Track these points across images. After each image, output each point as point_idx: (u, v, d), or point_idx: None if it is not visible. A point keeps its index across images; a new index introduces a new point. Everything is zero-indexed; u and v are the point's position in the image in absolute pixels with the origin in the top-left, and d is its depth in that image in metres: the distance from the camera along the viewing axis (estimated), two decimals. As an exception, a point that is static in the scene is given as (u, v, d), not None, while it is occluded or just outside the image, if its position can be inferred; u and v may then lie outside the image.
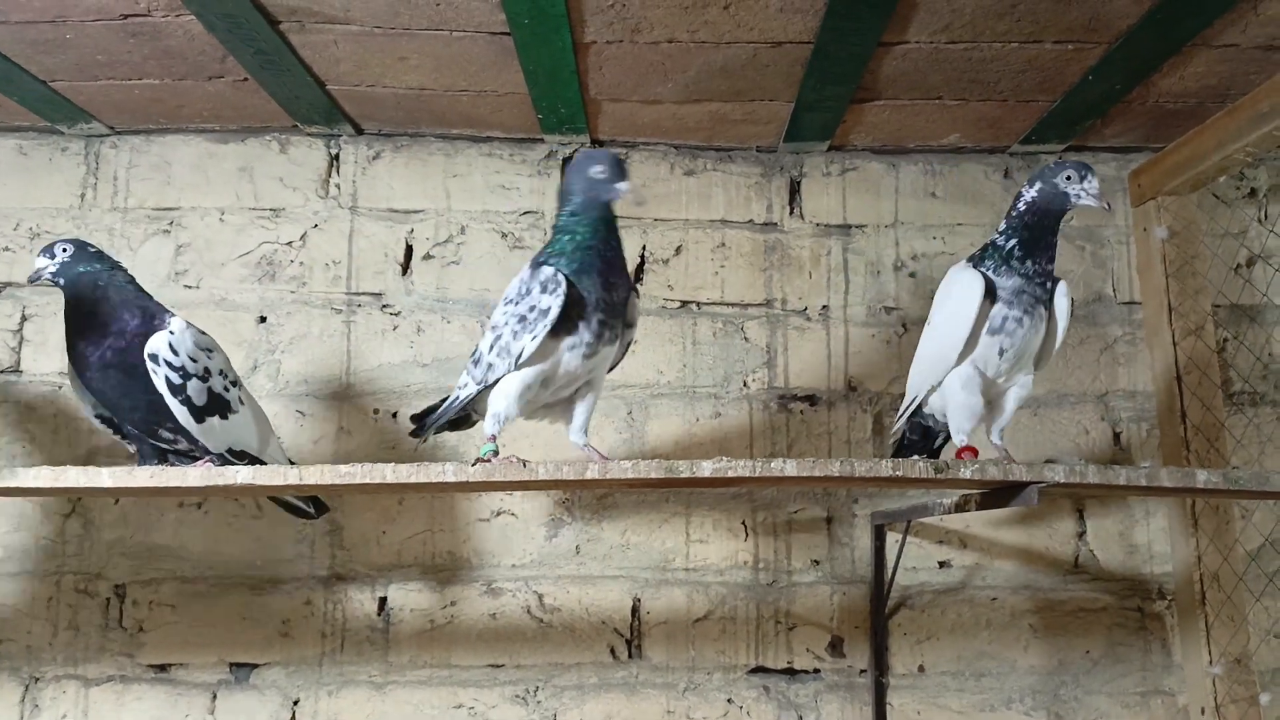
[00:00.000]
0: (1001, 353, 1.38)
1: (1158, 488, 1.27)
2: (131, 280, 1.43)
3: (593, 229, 1.31)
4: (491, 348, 1.33)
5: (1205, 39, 1.56)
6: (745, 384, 1.94)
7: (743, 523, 1.89)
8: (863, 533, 1.90)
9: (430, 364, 1.91)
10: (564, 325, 1.27)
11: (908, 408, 1.52)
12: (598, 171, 1.30)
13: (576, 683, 1.83)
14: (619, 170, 1.31)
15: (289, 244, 1.94)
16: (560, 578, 1.86)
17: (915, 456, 1.53)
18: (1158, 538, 1.91)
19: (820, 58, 1.59)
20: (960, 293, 1.39)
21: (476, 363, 1.37)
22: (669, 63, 1.65)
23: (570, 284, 1.27)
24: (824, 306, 1.98)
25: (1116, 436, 1.95)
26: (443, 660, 1.82)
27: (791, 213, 2.01)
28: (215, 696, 1.80)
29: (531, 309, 1.27)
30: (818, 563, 1.89)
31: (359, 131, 1.96)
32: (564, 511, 1.88)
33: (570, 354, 1.30)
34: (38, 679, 1.80)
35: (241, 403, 1.45)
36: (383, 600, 1.84)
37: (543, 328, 1.26)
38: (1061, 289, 1.41)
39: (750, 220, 2.00)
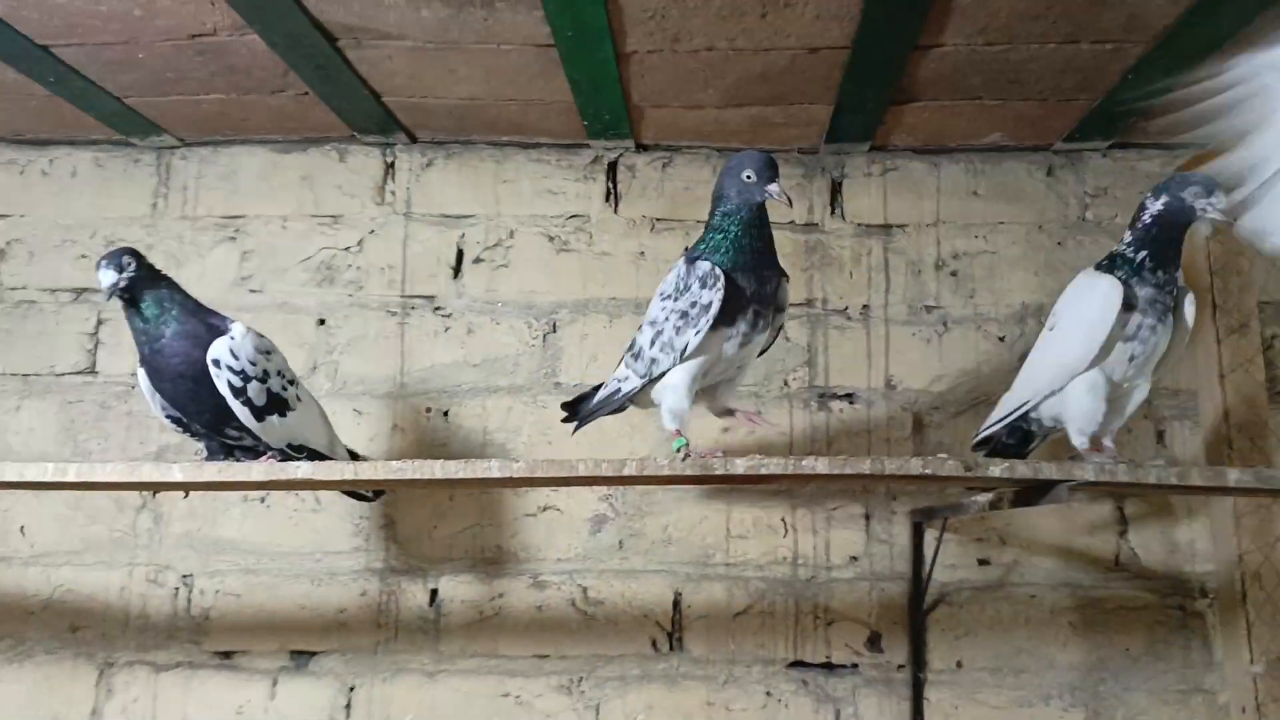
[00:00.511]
0: (1131, 359, 1.40)
1: (1189, 486, 1.29)
2: (182, 289, 1.49)
3: (744, 226, 1.37)
4: (653, 343, 1.41)
5: (1248, 37, 1.55)
6: (786, 383, 1.98)
7: (782, 519, 1.93)
8: (901, 530, 1.92)
9: (480, 364, 1.98)
10: (723, 317, 1.34)
11: (1015, 411, 1.51)
12: (748, 176, 1.36)
13: (619, 674, 1.88)
14: (769, 173, 1.36)
15: (347, 249, 2.03)
16: (604, 571, 1.92)
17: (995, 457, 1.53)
18: (1200, 536, 1.90)
19: (857, 62, 1.63)
20: (1099, 300, 1.39)
21: (637, 357, 1.45)
22: (708, 70, 1.69)
23: (728, 278, 1.34)
24: (864, 306, 2.00)
25: (1160, 435, 1.95)
26: (490, 650, 1.89)
27: (833, 213, 2.04)
28: (276, 682, 1.89)
29: (693, 304, 1.34)
30: (856, 559, 1.92)
31: (413, 140, 2.04)
32: (608, 507, 1.93)
33: (728, 344, 1.38)
34: (111, 664, 1.90)
35: (299, 400, 1.53)
36: (434, 592, 1.92)
37: (705, 322, 1.33)
38: (1189, 299, 1.42)
39: (792, 221, 2.03)
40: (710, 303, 1.34)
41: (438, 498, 1.93)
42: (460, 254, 2.02)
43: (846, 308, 2.01)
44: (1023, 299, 1.99)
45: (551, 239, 2.03)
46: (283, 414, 1.49)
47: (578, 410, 1.62)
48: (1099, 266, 1.45)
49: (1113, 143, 1.99)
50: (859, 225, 2.03)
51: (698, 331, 1.34)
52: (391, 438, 1.96)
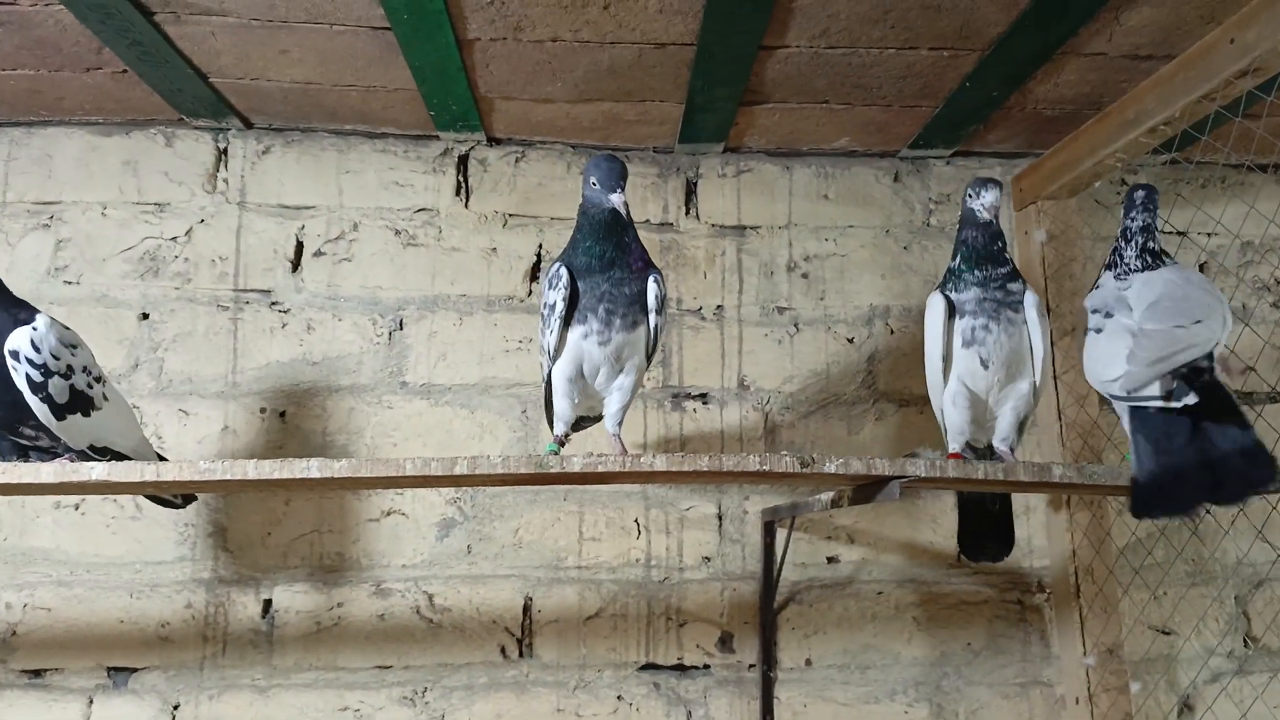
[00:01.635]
0: (984, 364, 1.42)
1: (1015, 482, 1.31)
2: None
3: (594, 228, 1.37)
4: (541, 346, 1.43)
5: (1074, 47, 1.62)
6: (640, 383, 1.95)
7: (636, 520, 1.91)
8: (754, 530, 1.92)
9: (321, 362, 1.89)
10: (574, 316, 1.36)
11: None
12: (594, 183, 1.36)
13: (466, 683, 1.82)
14: (611, 182, 1.34)
15: (174, 239, 1.90)
16: (451, 578, 1.85)
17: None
18: (1037, 532, 1.97)
19: (704, 59, 1.61)
20: (929, 316, 1.48)
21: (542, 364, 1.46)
22: (555, 62, 1.65)
23: (573, 277, 1.35)
24: (718, 306, 2.00)
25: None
26: (329, 662, 1.80)
27: (687, 213, 2.03)
28: (92, 702, 1.75)
29: (547, 305, 1.38)
30: (709, 559, 1.91)
31: (248, 126, 1.93)
32: (456, 511, 1.87)
33: (586, 343, 1.37)
34: (-98, 687, 1.73)
35: (106, 399, 1.42)
36: (268, 602, 1.81)
37: (555, 321, 1.36)
38: (1031, 299, 1.45)
39: (646, 220, 2.02)
40: (554, 302, 1.36)
41: (272, 503, 1.83)
42: (300, 246, 1.93)
43: (701, 308, 2.00)
44: (870, 301, 2.02)
45: (398, 233, 1.95)
46: (86, 413, 1.38)
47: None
48: (938, 284, 1.51)
49: (956, 150, 2.04)
50: (713, 226, 2.03)
51: (550, 330, 1.37)
52: (222, 440, 1.85)
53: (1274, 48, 1.39)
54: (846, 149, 2.04)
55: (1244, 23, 1.43)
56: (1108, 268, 1.51)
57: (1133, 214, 1.49)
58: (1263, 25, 1.39)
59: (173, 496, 1.62)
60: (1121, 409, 1.39)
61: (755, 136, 1.98)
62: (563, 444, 1.44)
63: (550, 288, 1.37)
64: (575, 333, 1.37)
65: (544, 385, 1.48)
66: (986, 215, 1.42)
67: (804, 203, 2.05)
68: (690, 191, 2.04)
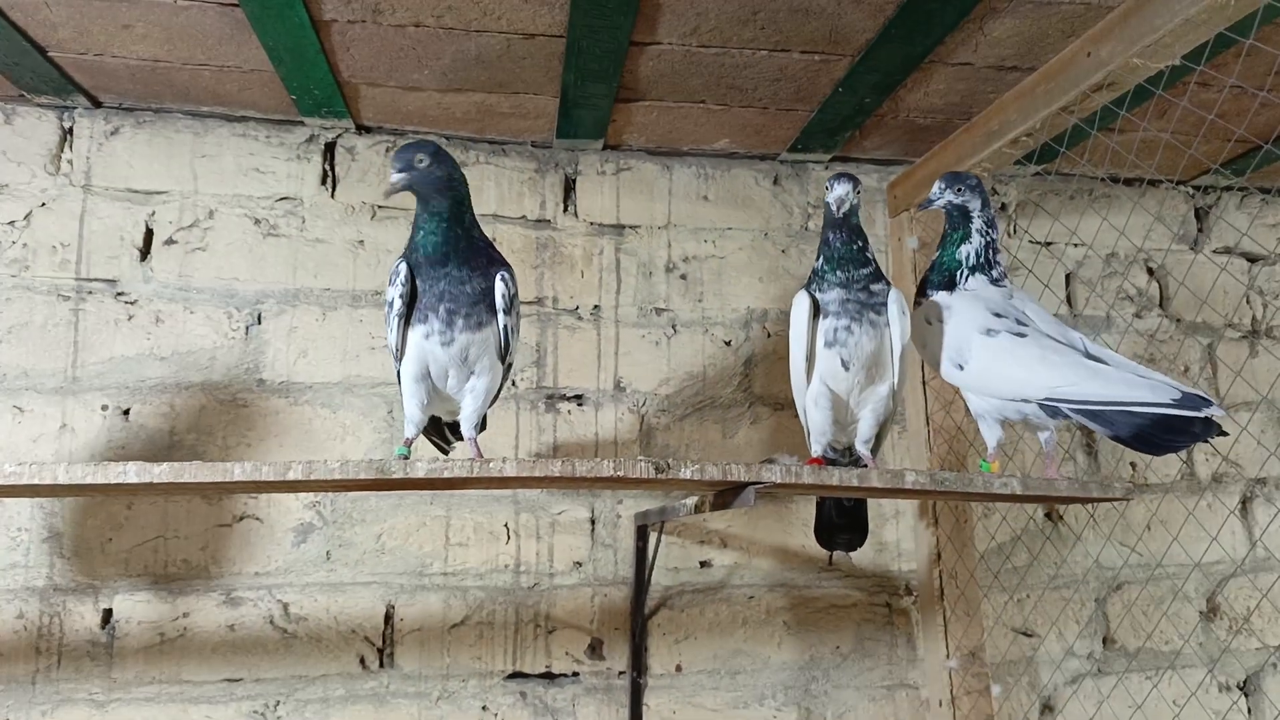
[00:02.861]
0: (845, 365, 1.40)
1: (868, 488, 1.31)
2: None
3: (434, 220, 1.31)
4: (388, 346, 1.38)
5: (941, 56, 1.63)
6: (514, 383, 1.91)
7: (505, 525, 1.85)
8: (626, 535, 1.89)
9: (170, 357, 1.78)
10: (415, 315, 1.31)
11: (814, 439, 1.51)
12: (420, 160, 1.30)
13: (321, 695, 1.74)
14: (397, 162, 1.29)
15: (11, 224, 1.77)
16: (308, 585, 1.77)
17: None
18: (905, 536, 1.99)
19: (575, 53, 1.57)
20: (793, 314, 1.45)
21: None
22: (419, 48, 1.59)
23: (412, 275, 1.30)
24: (595, 306, 1.96)
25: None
26: (173, 675, 1.70)
27: (565, 210, 1.99)
28: (-95, 722, 1.62)
29: (387, 302, 1.34)
30: (580, 565, 1.87)
31: (96, 105, 1.81)
32: (314, 515, 1.79)
33: (428, 343, 1.31)
34: None
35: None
36: (108, 612, 1.70)
37: (394, 318, 1.32)
38: (893, 296, 1.42)
39: (523, 216, 1.97)
40: (392, 299, 1.32)
41: (112, 507, 1.72)
42: (150, 234, 1.82)
43: (577, 307, 1.96)
44: (748, 304, 2.01)
45: (258, 222, 1.86)
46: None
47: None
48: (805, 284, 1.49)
49: (834, 155, 2.05)
50: (591, 224, 1.99)
51: (391, 329, 1.33)
52: (60, 439, 1.73)
53: (1127, 63, 1.42)
54: (727, 150, 2.03)
55: (1100, 37, 1.46)
56: (979, 269, 1.50)
57: (988, 210, 1.49)
58: (1117, 40, 1.42)
59: None
60: (992, 418, 1.42)
61: (634, 135, 1.95)
62: (409, 445, 1.37)
63: (390, 284, 1.32)
64: (417, 332, 1.31)
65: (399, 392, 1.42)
66: (834, 210, 1.40)
67: (684, 203, 2.03)
68: (569, 188, 2.00)
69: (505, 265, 1.35)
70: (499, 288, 1.33)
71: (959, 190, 1.48)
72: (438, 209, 1.30)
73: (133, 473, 1.16)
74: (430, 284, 1.30)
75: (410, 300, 1.31)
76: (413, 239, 1.33)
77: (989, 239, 1.49)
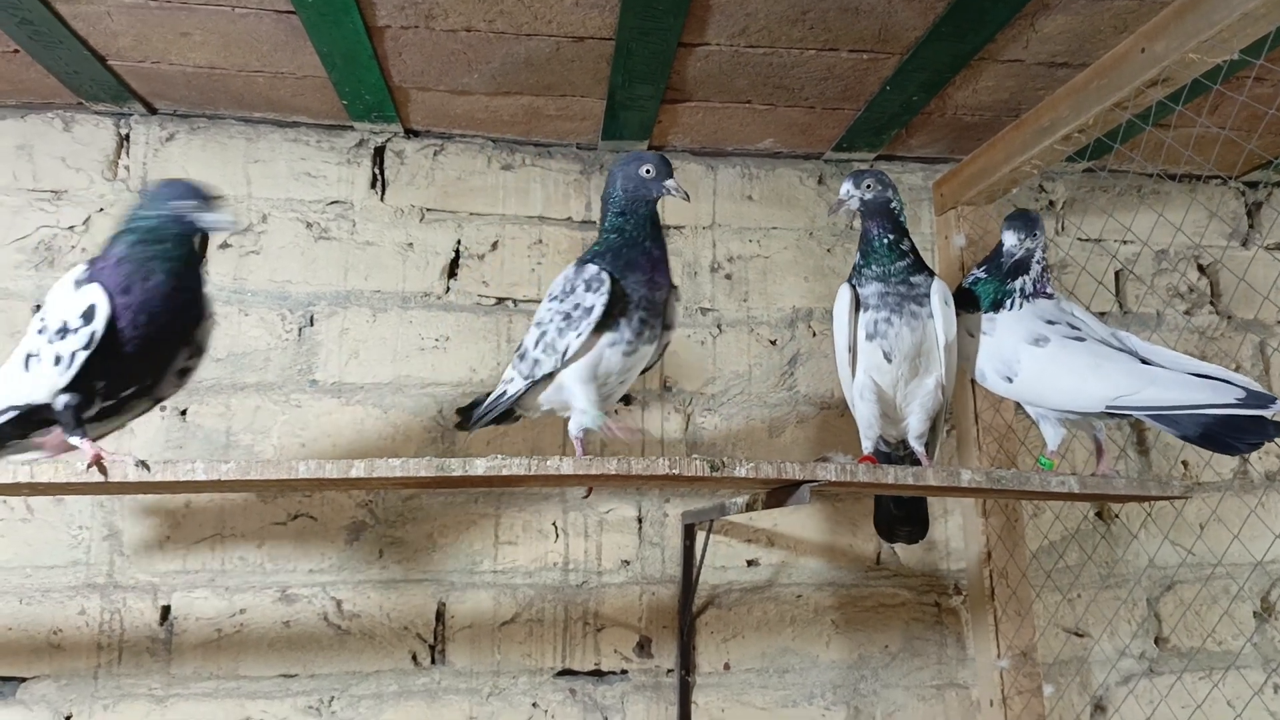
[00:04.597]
0: (888, 357, 1.41)
1: (924, 486, 1.31)
2: None
3: (639, 227, 1.35)
4: (537, 344, 1.37)
5: (991, 53, 1.62)
6: (560, 383, 1.92)
7: (553, 524, 1.87)
8: (673, 533, 1.90)
9: (225, 358, 1.82)
10: (606, 322, 1.31)
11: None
12: (645, 170, 1.35)
13: (375, 691, 1.76)
14: (666, 168, 1.35)
15: (71, 228, 1.81)
16: (361, 583, 1.79)
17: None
18: (954, 535, 1.98)
19: (624, 55, 1.59)
20: (836, 307, 1.47)
21: (522, 358, 1.40)
22: (471, 52, 1.61)
23: (614, 281, 1.31)
24: (641, 306, 1.97)
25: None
26: (230, 671, 1.73)
27: (611, 211, 2.00)
28: (-26, 715, 1.66)
29: (576, 306, 1.32)
30: (628, 563, 1.88)
31: (151, 111, 1.85)
32: (366, 514, 1.81)
33: (610, 350, 1.33)
34: None
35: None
36: (166, 609, 1.74)
37: (587, 325, 1.30)
38: (936, 287, 1.43)
39: (569, 218, 1.98)
40: (592, 306, 1.31)
41: (171, 505, 1.76)
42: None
43: (623, 307, 1.96)
44: (793, 303, 2.01)
45: (309, 225, 1.88)
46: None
47: (471, 415, 1.53)
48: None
49: (879, 154, 2.04)
50: (637, 224, 2.00)
51: (579, 334, 1.32)
52: (119, 439, 1.76)
53: (1182, 59, 1.40)
54: (771, 150, 2.03)
55: (1154, 33, 1.45)
56: (1039, 292, 1.49)
57: (1039, 236, 1.50)
58: (1171, 36, 1.41)
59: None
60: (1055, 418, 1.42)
61: (679, 135, 1.96)
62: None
63: (589, 290, 1.31)
64: (601, 339, 1.32)
65: (525, 384, 1.40)
66: (842, 211, 1.46)
67: (728, 203, 2.03)
68: (614, 189, 2.00)
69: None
70: (674, 303, 1.43)
71: (1035, 235, 1.50)
72: (646, 212, 1.38)
73: (200, 470, 1.18)
74: (631, 290, 1.34)
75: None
76: (621, 241, 1.36)
77: (1043, 264, 1.51)
